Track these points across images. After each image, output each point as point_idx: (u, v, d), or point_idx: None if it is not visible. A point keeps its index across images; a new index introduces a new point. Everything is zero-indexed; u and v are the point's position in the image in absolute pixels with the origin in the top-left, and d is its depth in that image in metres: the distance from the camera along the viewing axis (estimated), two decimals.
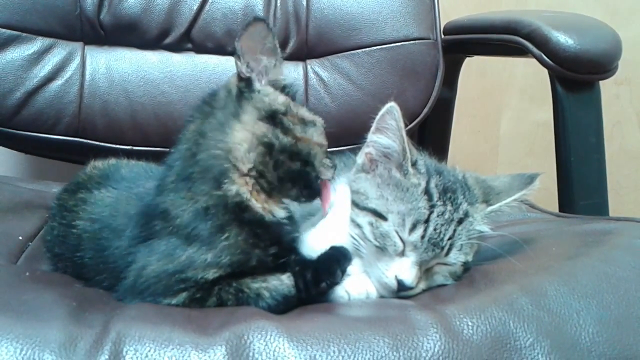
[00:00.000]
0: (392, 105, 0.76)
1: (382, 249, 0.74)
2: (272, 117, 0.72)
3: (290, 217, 0.75)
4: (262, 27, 0.72)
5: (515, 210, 0.81)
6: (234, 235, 0.69)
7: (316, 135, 0.75)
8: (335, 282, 0.72)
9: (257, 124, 0.71)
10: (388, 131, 0.76)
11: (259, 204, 0.71)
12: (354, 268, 0.76)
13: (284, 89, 0.75)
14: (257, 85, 0.73)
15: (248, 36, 0.72)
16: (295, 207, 0.78)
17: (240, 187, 0.70)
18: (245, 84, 0.73)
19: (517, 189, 0.79)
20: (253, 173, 0.71)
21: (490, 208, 0.78)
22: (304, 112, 0.75)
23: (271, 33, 0.73)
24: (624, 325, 0.65)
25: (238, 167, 0.70)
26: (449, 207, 0.75)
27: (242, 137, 0.71)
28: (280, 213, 0.73)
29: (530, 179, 0.80)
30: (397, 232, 0.74)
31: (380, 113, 0.77)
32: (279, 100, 0.73)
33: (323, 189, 0.76)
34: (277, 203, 0.73)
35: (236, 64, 0.73)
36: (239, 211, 0.70)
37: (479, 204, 0.78)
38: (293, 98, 0.75)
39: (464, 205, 0.76)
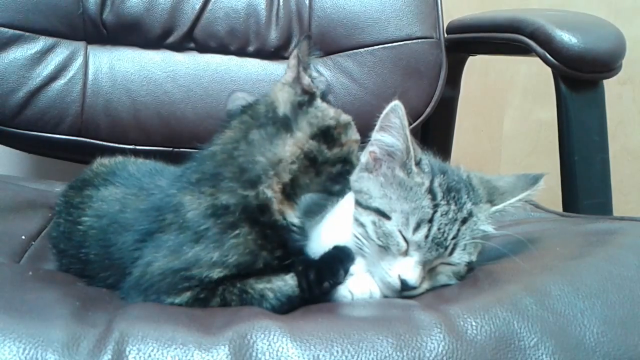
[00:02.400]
0: (396, 103, 0.76)
1: (385, 249, 0.74)
2: (324, 134, 0.75)
3: (301, 228, 0.76)
4: (308, 43, 0.76)
5: (519, 210, 0.80)
6: (243, 233, 0.70)
7: (353, 134, 0.79)
8: (338, 282, 0.72)
9: (309, 142, 0.74)
10: (392, 130, 0.76)
11: (276, 206, 0.73)
12: (357, 268, 0.75)
13: (323, 96, 0.77)
14: (318, 101, 0.76)
15: (303, 51, 0.75)
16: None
17: (274, 194, 0.72)
18: (308, 99, 0.75)
19: (522, 190, 0.79)
20: (287, 181, 0.73)
21: (494, 208, 0.78)
22: (343, 117, 0.78)
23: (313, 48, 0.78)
24: (629, 325, 0.65)
25: (280, 177, 0.73)
26: (452, 207, 0.74)
27: (292, 151, 0.73)
28: (292, 219, 0.74)
29: (535, 179, 0.79)
30: (400, 232, 0.74)
31: (385, 112, 0.77)
32: (330, 114, 0.76)
33: None
34: (292, 207, 0.74)
35: (298, 77, 0.75)
36: (258, 212, 0.71)
37: (483, 204, 0.78)
38: (325, 97, 0.78)
39: (468, 205, 0.76)
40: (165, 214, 0.72)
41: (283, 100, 0.75)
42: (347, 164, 0.77)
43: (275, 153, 0.73)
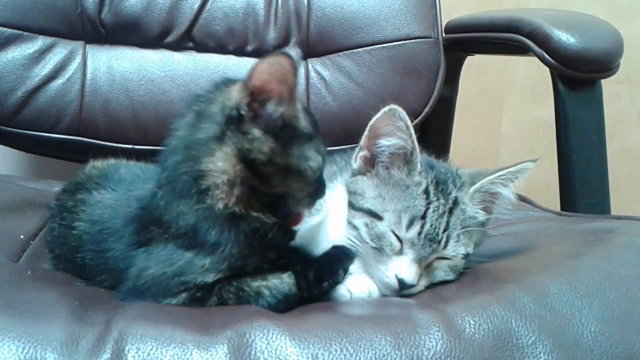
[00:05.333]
0: (393, 107, 0.76)
1: (379, 250, 0.74)
2: (250, 164, 0.67)
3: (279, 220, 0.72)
4: (285, 62, 0.64)
5: (510, 198, 0.79)
6: (229, 247, 0.67)
7: (298, 184, 0.70)
8: (337, 281, 0.72)
9: (238, 165, 0.67)
10: (398, 132, 0.76)
11: (254, 213, 0.69)
12: (356, 267, 0.76)
13: (280, 130, 0.67)
14: (246, 126, 0.67)
15: (266, 67, 0.65)
16: None
17: (228, 202, 0.68)
18: (237, 116, 0.67)
19: (505, 169, 0.78)
20: (236, 199, 0.68)
21: (474, 187, 0.77)
22: (293, 160, 0.68)
23: (293, 71, 0.64)
24: (626, 323, 0.65)
25: (214, 192, 0.67)
26: (441, 200, 0.75)
27: (224, 168, 0.67)
28: (272, 219, 0.71)
29: (522, 163, 0.78)
30: (393, 231, 0.74)
31: (378, 116, 0.77)
32: (263, 148, 0.66)
33: (296, 216, 0.74)
34: (265, 213, 0.70)
35: (242, 88, 0.67)
36: (233, 220, 0.68)
37: (465, 187, 0.78)
38: (292, 137, 0.68)
39: (453, 193, 0.76)
40: (151, 227, 0.70)
41: (227, 104, 0.68)
42: (280, 200, 0.70)
43: (208, 166, 0.67)
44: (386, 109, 0.76)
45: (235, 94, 0.68)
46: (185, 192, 0.68)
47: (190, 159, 0.68)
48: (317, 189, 0.73)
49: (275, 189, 0.69)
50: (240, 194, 0.68)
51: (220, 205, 0.68)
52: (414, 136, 0.76)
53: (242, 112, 0.67)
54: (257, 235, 0.69)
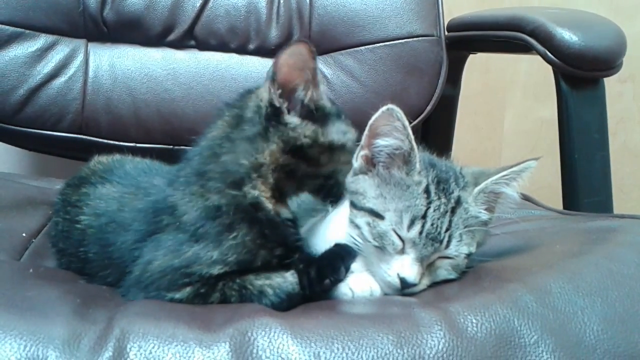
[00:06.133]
0: (390, 107, 0.75)
1: (381, 249, 0.74)
2: (297, 151, 0.72)
3: (293, 220, 0.75)
4: (303, 49, 0.68)
5: (514, 198, 0.79)
6: (242, 235, 0.69)
7: (343, 157, 0.75)
8: (339, 280, 0.72)
9: (283, 157, 0.71)
10: (395, 132, 0.76)
11: (268, 204, 0.72)
12: (358, 265, 0.76)
13: (315, 113, 0.72)
14: (285, 117, 0.71)
15: (287, 58, 0.69)
16: (297, 205, 0.78)
17: (261, 193, 0.71)
18: (273, 112, 0.71)
19: (507, 169, 0.78)
20: (273, 185, 0.72)
21: (478, 188, 0.77)
22: (333, 137, 0.73)
23: (312, 55, 0.69)
24: (629, 322, 0.65)
25: (265, 179, 0.71)
26: (443, 200, 0.75)
27: (270, 160, 0.71)
28: (285, 214, 0.73)
29: (525, 162, 0.78)
30: (394, 231, 0.74)
31: (376, 115, 0.77)
32: (306, 132, 0.72)
33: None
34: (284, 205, 0.74)
35: (268, 84, 0.71)
36: (252, 211, 0.70)
37: (469, 187, 0.78)
38: (326, 118, 0.73)
39: (456, 192, 0.76)
40: (162, 215, 0.71)
41: (263, 102, 0.72)
42: (330, 179, 0.76)
43: (257, 158, 0.71)
44: (384, 108, 0.76)
45: (264, 94, 0.72)
46: (217, 179, 0.71)
47: (235, 150, 0.72)
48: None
49: (324, 169, 0.74)
50: (278, 179, 0.71)
51: (254, 193, 0.71)
52: (412, 136, 0.75)
53: (277, 105, 0.71)
54: (270, 225, 0.70)
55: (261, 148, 0.71)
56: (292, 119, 0.71)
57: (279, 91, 0.70)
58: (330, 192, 0.76)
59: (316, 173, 0.74)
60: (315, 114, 0.72)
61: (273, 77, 0.70)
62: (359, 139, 0.78)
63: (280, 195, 0.73)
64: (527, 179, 0.77)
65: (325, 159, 0.73)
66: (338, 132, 0.74)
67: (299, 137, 0.71)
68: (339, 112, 0.76)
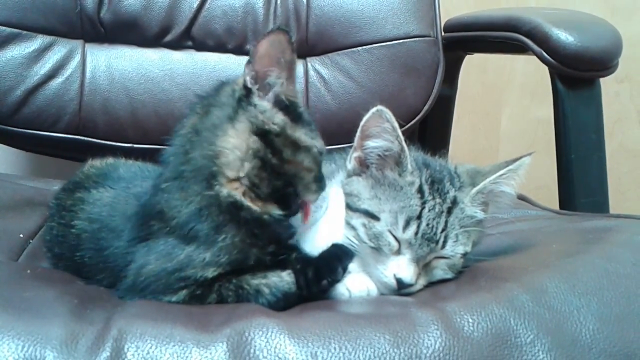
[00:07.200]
0: (380, 108, 0.76)
1: (377, 250, 0.75)
2: (263, 136, 0.70)
3: (288, 216, 0.74)
4: (283, 39, 0.69)
5: (512, 196, 0.79)
6: (230, 236, 0.68)
7: (307, 161, 0.72)
8: (336, 280, 0.72)
9: (252, 137, 0.70)
10: (384, 134, 0.76)
11: (254, 206, 0.70)
12: (355, 266, 0.76)
13: (287, 107, 0.71)
14: (255, 99, 0.70)
15: (266, 44, 0.69)
16: None
17: (231, 190, 0.69)
18: (245, 93, 0.71)
19: (503, 168, 0.78)
20: (245, 182, 0.70)
21: (476, 189, 0.77)
22: (301, 136, 0.72)
23: (291, 47, 0.69)
24: (625, 322, 0.65)
25: (225, 172, 0.69)
26: (438, 200, 0.75)
27: (236, 144, 0.69)
28: (277, 212, 0.72)
29: (519, 159, 0.78)
30: (390, 232, 0.74)
31: (367, 117, 0.77)
32: (275, 119, 0.70)
33: (304, 207, 0.75)
34: (273, 204, 0.72)
35: (245, 69, 0.71)
36: (235, 210, 0.69)
37: (466, 188, 0.78)
38: (297, 117, 0.72)
39: (452, 193, 0.76)
40: (152, 221, 0.71)
41: (237, 88, 0.72)
42: (290, 186, 0.72)
43: (217, 145, 0.69)
44: (374, 109, 0.76)
45: (240, 79, 0.72)
46: (192, 180, 0.69)
47: (201, 143, 0.70)
48: (321, 177, 0.75)
49: (286, 167, 0.71)
50: (250, 171, 0.69)
51: (225, 192, 0.69)
52: (402, 137, 0.75)
53: (249, 86, 0.70)
54: (258, 225, 0.70)
55: (227, 130, 0.70)
56: (263, 103, 0.70)
57: (253, 72, 0.70)
58: (287, 200, 0.73)
59: (279, 170, 0.71)
60: (288, 108, 0.71)
61: (249, 61, 0.70)
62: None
63: (262, 192, 0.71)
64: (524, 175, 0.78)
65: (289, 153, 0.71)
66: (307, 134, 0.72)
67: (267, 121, 0.70)
68: (311, 121, 0.74)
